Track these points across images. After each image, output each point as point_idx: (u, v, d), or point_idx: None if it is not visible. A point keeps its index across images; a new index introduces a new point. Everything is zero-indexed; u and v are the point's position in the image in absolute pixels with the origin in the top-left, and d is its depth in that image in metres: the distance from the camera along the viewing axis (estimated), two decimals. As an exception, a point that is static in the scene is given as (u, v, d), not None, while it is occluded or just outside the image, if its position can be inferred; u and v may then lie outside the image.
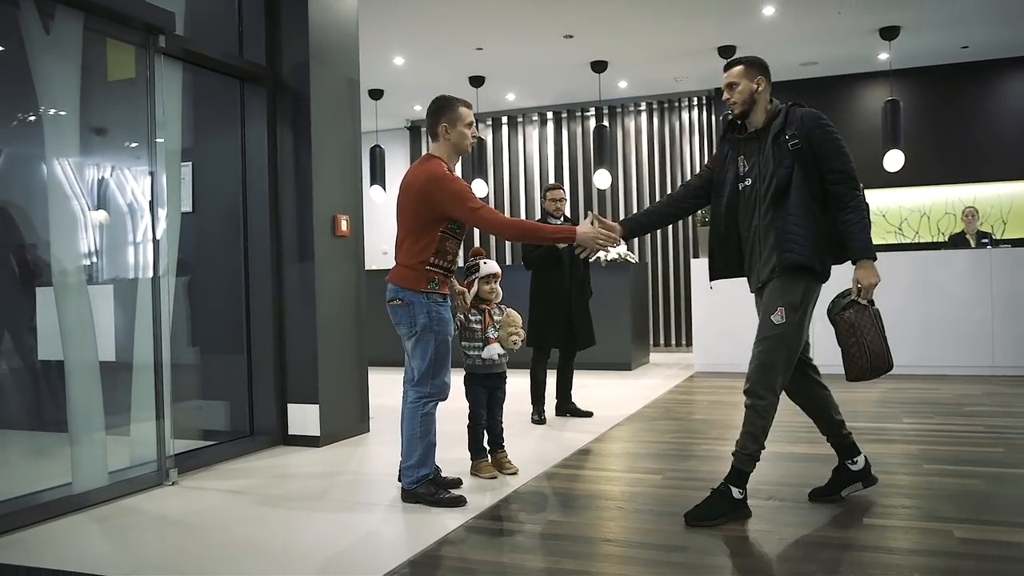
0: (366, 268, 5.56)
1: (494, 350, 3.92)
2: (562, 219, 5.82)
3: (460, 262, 3.91)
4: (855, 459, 3.50)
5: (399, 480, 3.73)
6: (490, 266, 3.99)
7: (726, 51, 8.98)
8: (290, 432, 5.01)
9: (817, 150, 3.17)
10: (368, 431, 5.35)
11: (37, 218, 4.54)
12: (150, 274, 4.48)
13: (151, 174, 4.30)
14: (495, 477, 4.02)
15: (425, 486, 3.60)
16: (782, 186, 3.17)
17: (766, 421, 3.24)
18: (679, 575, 2.69)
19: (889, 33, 8.49)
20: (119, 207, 5.85)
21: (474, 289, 3.94)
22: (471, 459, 4.13)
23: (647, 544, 3.02)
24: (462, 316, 3.96)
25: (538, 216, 11.38)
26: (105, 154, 5.89)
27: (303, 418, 4.96)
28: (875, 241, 9.89)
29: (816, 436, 3.73)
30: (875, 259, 3.24)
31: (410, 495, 3.61)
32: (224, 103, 5.04)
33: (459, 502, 3.53)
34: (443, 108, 3.63)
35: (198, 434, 4.98)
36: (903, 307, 7.59)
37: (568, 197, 6.11)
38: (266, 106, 4.95)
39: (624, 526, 3.29)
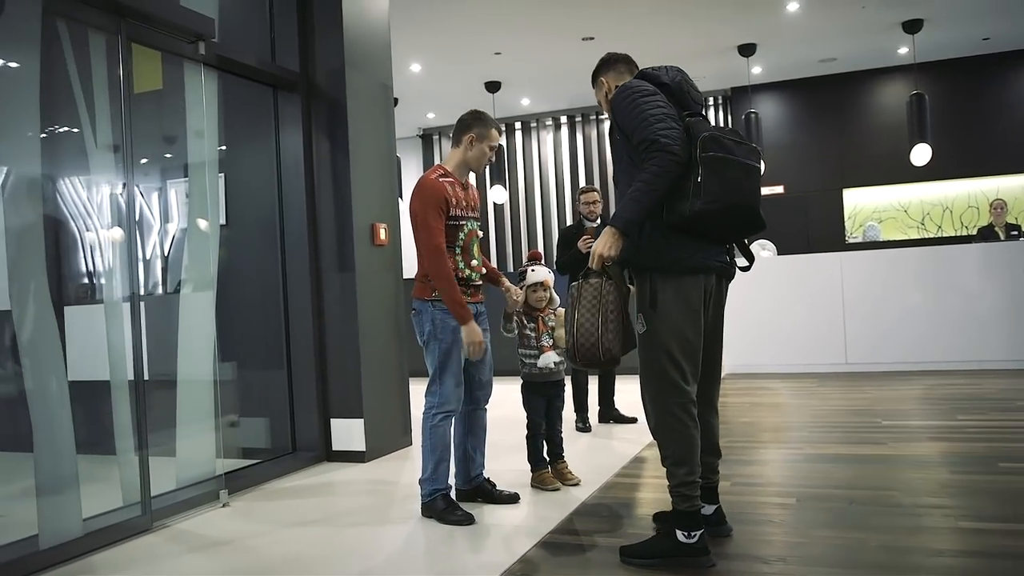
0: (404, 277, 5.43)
1: (550, 358, 3.82)
2: (598, 222, 5.69)
3: (490, 267, 3.82)
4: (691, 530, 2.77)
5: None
6: (538, 273, 3.88)
7: (746, 49, 8.89)
8: (334, 448, 4.86)
9: (625, 130, 2.77)
10: (411, 444, 5.21)
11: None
12: (189, 288, 4.37)
13: (188, 187, 4.18)
14: (557, 489, 3.88)
15: (439, 500, 3.51)
16: (621, 185, 2.89)
17: (677, 444, 2.75)
18: (784, 588, 2.56)
19: (912, 27, 8.39)
20: (151, 222, 5.74)
21: (522, 297, 3.83)
22: (531, 470, 3.99)
23: (739, 555, 2.88)
24: (516, 321, 3.85)
25: (569, 222, 11.37)
26: (141, 169, 5.80)
27: (347, 433, 4.82)
28: (897, 236, 9.81)
29: (878, 437, 3.60)
30: (628, 231, 2.73)
31: (427, 508, 3.55)
32: (257, 111, 4.91)
33: (466, 521, 3.41)
34: (477, 121, 3.62)
35: (238, 452, 4.84)
36: (936, 302, 7.48)
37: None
38: (301, 113, 4.83)
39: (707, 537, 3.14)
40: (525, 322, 3.87)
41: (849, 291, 7.74)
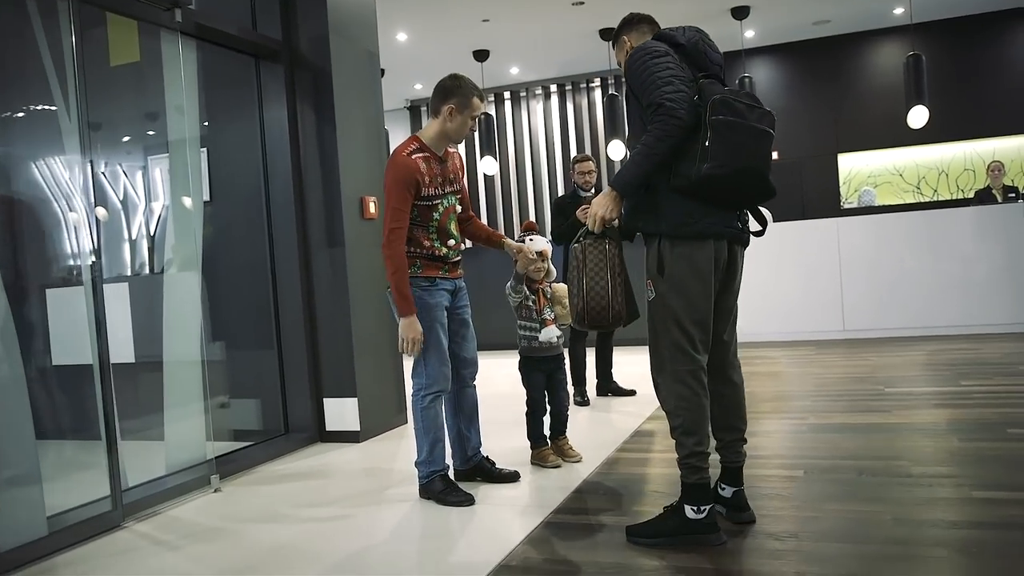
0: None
1: (552, 332, 3.68)
2: (593, 191, 5.55)
3: (465, 244, 3.68)
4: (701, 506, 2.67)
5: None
6: (536, 243, 3.68)
7: (739, 11, 8.70)
8: (327, 428, 4.75)
9: (636, 92, 2.68)
10: (406, 423, 5.10)
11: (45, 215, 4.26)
12: (174, 268, 4.23)
13: (169, 163, 4.03)
14: (559, 466, 3.79)
15: (436, 481, 3.40)
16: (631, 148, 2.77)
17: (687, 413, 2.64)
18: (796, 565, 2.46)
19: (909, -16, 8.22)
20: (133, 200, 5.58)
21: (520, 269, 3.67)
22: (531, 447, 3.89)
23: (749, 531, 2.79)
24: (524, 291, 3.69)
25: (561, 192, 11.20)
26: (117, 147, 5.62)
27: (341, 413, 4.71)
28: (893, 201, 9.68)
29: (883, 405, 3.50)
30: (625, 193, 2.69)
31: (424, 489, 3.45)
32: (239, 82, 4.74)
33: (466, 501, 3.31)
34: (456, 90, 3.35)
35: (229, 435, 4.73)
36: (934, 267, 7.39)
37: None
38: (284, 84, 4.66)
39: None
40: (528, 294, 3.73)
41: (846, 257, 7.64)
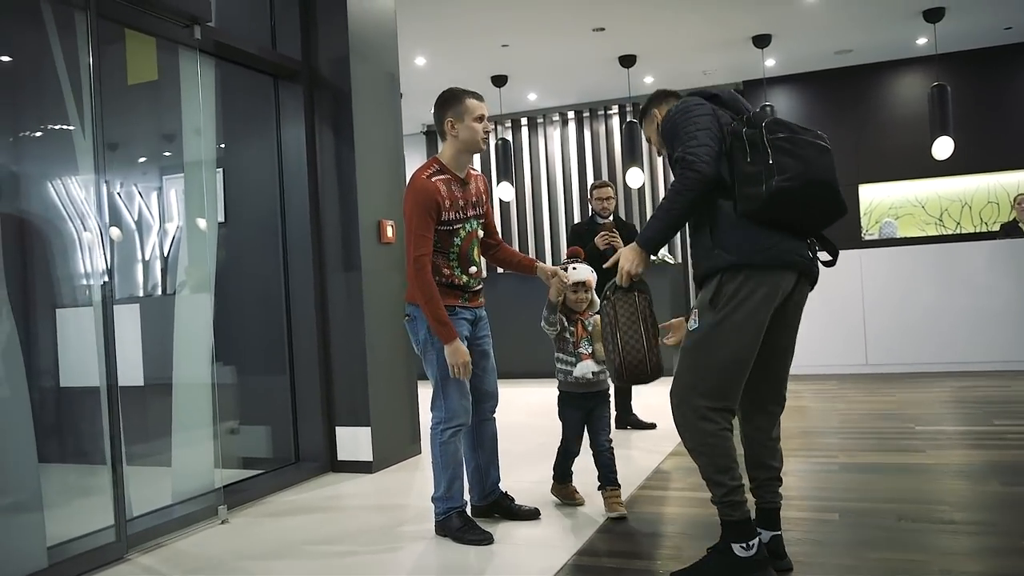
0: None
1: (588, 367, 3.41)
2: (611, 218, 5.43)
3: (484, 271, 3.53)
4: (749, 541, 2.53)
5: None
6: (579, 272, 3.45)
7: (761, 40, 8.61)
8: (339, 458, 4.61)
9: (668, 152, 2.71)
10: (420, 453, 4.95)
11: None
12: (186, 289, 4.12)
13: (185, 184, 3.93)
14: (581, 504, 3.58)
15: (454, 519, 3.24)
16: None
17: (714, 451, 2.52)
18: (843, 621, 2.30)
19: (933, 15, 8.11)
20: (147, 221, 5.50)
21: (560, 298, 3.46)
22: (553, 480, 3.68)
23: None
24: (560, 320, 3.45)
25: (578, 219, 11.10)
26: (133, 167, 5.56)
27: (354, 442, 4.57)
28: (915, 233, 9.55)
29: (914, 444, 3.34)
30: (649, 249, 2.66)
31: (440, 525, 3.29)
32: (257, 102, 4.66)
33: (485, 540, 3.15)
34: (448, 102, 3.24)
35: (237, 462, 4.59)
36: (960, 301, 7.22)
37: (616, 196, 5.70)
38: (303, 104, 4.57)
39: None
40: (565, 324, 3.49)
41: (869, 289, 7.48)
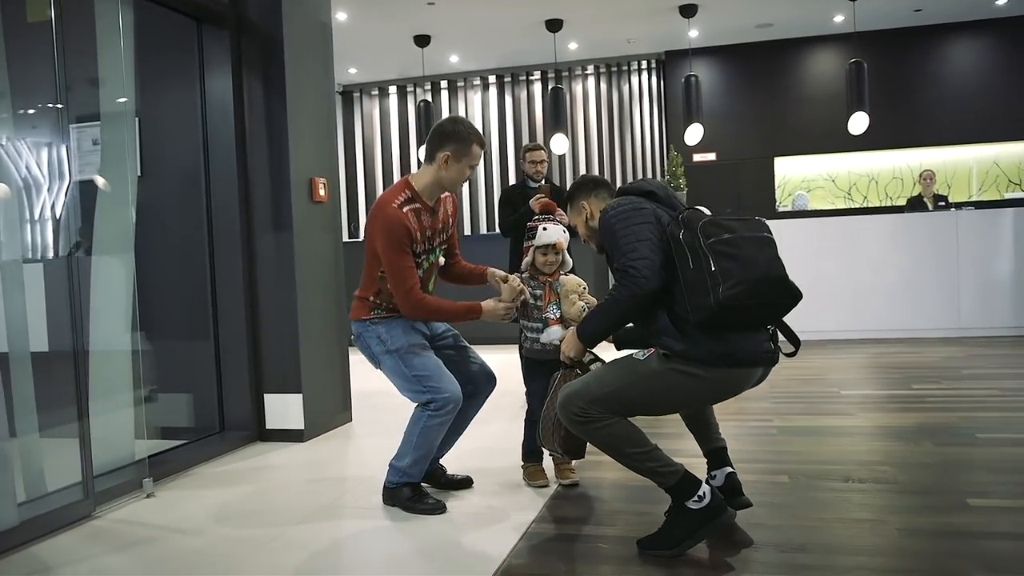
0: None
1: (555, 333, 3.19)
2: (543, 182, 5.32)
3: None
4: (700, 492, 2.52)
5: None
6: (549, 234, 3.25)
7: (688, 10, 8.64)
8: (268, 426, 4.39)
9: (608, 253, 2.68)
10: (351, 420, 4.78)
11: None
12: (102, 250, 3.80)
13: (99, 134, 3.60)
14: (545, 486, 3.36)
15: (404, 489, 3.09)
16: None
17: (615, 439, 2.55)
18: (815, 582, 2.30)
19: (854, -8, 8.32)
20: (53, 176, 5.06)
21: (529, 258, 3.30)
22: (522, 461, 3.47)
23: (750, 542, 2.61)
24: (524, 288, 3.23)
25: (512, 181, 10.94)
26: (30, 118, 5.08)
27: (284, 410, 4.35)
28: (825, 206, 9.82)
29: (843, 408, 3.40)
30: (587, 343, 2.72)
31: (389, 494, 3.13)
32: (176, 46, 4.33)
33: (437, 509, 3.03)
34: (453, 136, 3.03)
35: (156, 432, 4.31)
36: (867, 272, 7.48)
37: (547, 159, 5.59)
38: (230, 51, 4.27)
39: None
40: (531, 286, 3.29)
41: (785, 260, 7.62)
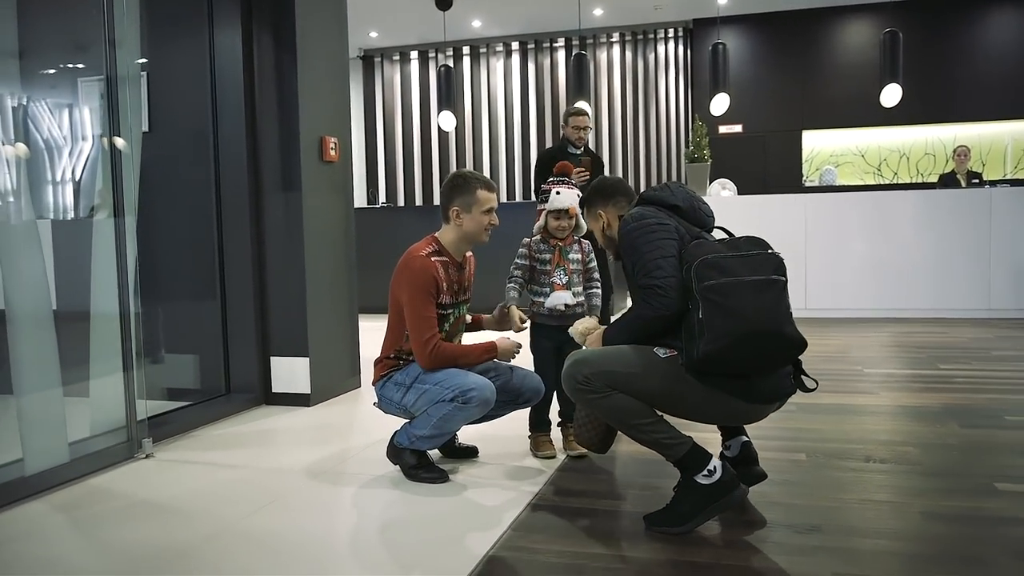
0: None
1: (560, 298, 3.09)
2: (583, 150, 5.16)
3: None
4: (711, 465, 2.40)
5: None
6: (563, 198, 3.10)
7: (717, -26, 8.37)
8: (274, 390, 4.31)
9: (628, 268, 2.56)
10: (359, 386, 4.69)
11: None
12: (104, 212, 3.69)
13: (108, 91, 3.48)
14: (553, 457, 3.24)
15: (409, 455, 2.98)
16: None
17: (618, 411, 2.44)
18: (831, 564, 2.17)
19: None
20: (60, 136, 4.99)
21: (541, 221, 3.17)
22: (529, 432, 3.32)
23: (765, 522, 2.49)
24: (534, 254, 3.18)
25: (532, 152, 10.76)
26: (39, 78, 4.99)
27: (290, 373, 4.27)
28: (854, 182, 9.63)
29: (867, 387, 3.25)
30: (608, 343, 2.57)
31: (395, 452, 3.03)
32: (186, 1, 4.20)
33: (440, 478, 2.94)
34: (456, 188, 3.00)
35: (162, 394, 4.25)
36: (898, 249, 7.26)
37: (590, 125, 5.40)
38: (240, 5, 4.14)
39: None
40: (540, 250, 3.18)
41: (812, 235, 7.46)
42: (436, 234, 3.06)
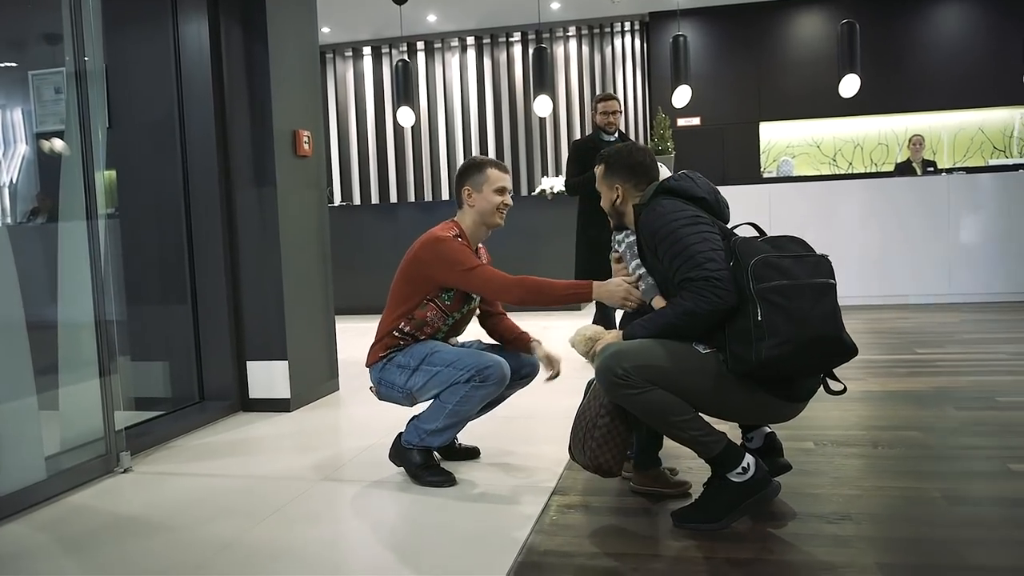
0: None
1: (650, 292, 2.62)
2: (616, 135, 5.05)
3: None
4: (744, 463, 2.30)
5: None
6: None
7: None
8: (252, 396, 4.12)
9: (663, 260, 2.37)
10: (338, 389, 4.53)
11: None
12: (70, 215, 3.47)
13: (69, 84, 3.26)
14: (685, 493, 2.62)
15: (416, 454, 2.85)
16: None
17: (653, 405, 2.28)
18: (870, 554, 2.11)
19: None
20: (8, 138, 4.70)
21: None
22: (633, 468, 2.67)
23: (793, 513, 2.43)
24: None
25: (491, 151, 10.64)
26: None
27: (268, 378, 4.09)
28: (810, 172, 9.60)
29: (852, 373, 3.23)
30: (637, 335, 2.40)
31: (401, 453, 2.89)
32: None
33: (447, 482, 2.80)
34: (468, 169, 2.95)
35: (130, 403, 4.02)
36: (859, 237, 7.34)
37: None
38: (206, -8, 3.94)
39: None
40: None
41: (776, 226, 7.46)
42: (454, 219, 2.96)
